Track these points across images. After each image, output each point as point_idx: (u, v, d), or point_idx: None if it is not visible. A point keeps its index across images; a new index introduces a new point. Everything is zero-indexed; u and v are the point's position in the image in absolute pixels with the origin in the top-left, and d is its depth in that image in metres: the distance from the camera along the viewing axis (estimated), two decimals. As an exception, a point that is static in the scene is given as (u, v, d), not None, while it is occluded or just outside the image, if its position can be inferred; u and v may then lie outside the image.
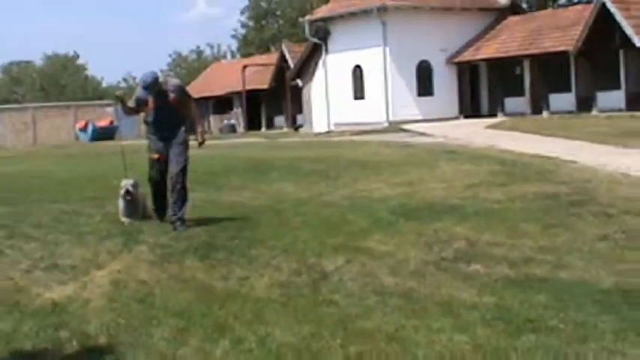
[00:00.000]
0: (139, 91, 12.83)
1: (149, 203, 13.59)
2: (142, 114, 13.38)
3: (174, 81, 13.62)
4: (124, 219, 12.99)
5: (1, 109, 65.60)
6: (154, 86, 12.40)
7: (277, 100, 59.72)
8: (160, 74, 13.40)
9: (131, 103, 12.94)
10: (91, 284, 9.30)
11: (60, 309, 8.29)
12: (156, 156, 12.68)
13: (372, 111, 45.44)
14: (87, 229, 12.89)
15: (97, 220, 13.75)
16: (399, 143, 28.70)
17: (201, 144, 13.04)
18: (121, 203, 13.06)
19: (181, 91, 13.07)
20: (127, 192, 12.84)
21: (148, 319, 7.72)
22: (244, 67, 63.12)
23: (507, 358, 6.05)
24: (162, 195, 13.00)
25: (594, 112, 39.73)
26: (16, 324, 7.80)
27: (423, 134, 33.72)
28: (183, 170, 12.73)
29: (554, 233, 10.79)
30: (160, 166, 12.76)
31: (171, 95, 12.60)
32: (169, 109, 12.58)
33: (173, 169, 12.62)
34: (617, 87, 40.12)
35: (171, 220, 12.61)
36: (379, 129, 40.65)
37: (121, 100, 12.96)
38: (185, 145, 12.81)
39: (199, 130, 13.18)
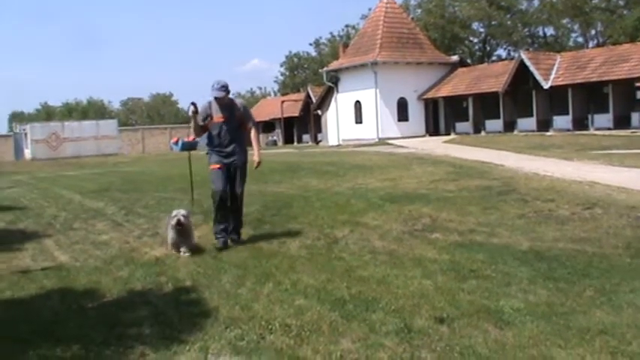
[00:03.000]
0: (204, 105, 9.48)
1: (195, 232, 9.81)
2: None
3: (241, 100, 10.28)
4: (174, 250, 8.92)
5: (121, 129, 65.67)
6: (226, 89, 9.27)
7: (305, 123, 59.69)
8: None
9: (199, 119, 9.42)
10: (181, 246, 9.34)
11: (160, 262, 8.34)
12: (217, 165, 9.39)
13: (367, 131, 45.49)
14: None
15: (185, 203, 13.74)
16: (386, 153, 28.60)
17: (257, 166, 9.66)
18: (171, 233, 8.94)
19: (246, 110, 9.88)
20: (179, 222, 8.81)
21: (218, 269, 7.75)
22: (282, 102, 63.59)
23: (457, 296, 6.05)
24: (227, 211, 9.46)
25: (515, 132, 39.74)
26: (131, 272, 7.86)
27: (401, 147, 33.60)
28: (243, 192, 9.69)
29: (489, 213, 10.75)
30: (222, 178, 9.40)
31: (238, 112, 9.49)
32: (235, 125, 9.43)
33: (237, 189, 9.50)
34: (531, 115, 40.21)
35: (219, 237, 9.31)
36: (372, 143, 40.58)
37: (195, 110, 9.27)
38: (246, 167, 9.64)
39: (258, 151, 9.74)
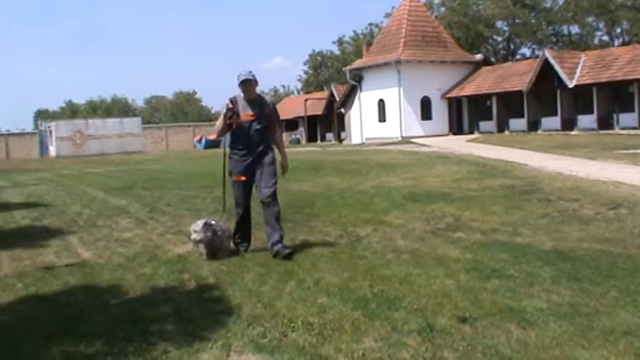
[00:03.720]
0: (231, 102, 8.46)
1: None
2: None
3: (268, 97, 9.09)
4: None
5: (145, 127, 66.00)
6: (253, 76, 8.33)
7: (328, 122, 59.64)
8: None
9: (221, 128, 8.56)
10: (204, 243, 9.37)
11: (183, 259, 8.35)
12: (243, 178, 8.50)
13: (390, 129, 45.44)
14: (201, 207, 12.99)
15: (208, 201, 13.83)
16: (409, 151, 28.57)
17: (284, 172, 8.83)
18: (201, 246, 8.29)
19: (275, 108, 8.87)
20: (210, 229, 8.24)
21: (241, 267, 7.76)
22: (306, 100, 63.57)
23: (480, 295, 6.02)
24: (249, 221, 8.86)
25: (539, 132, 39.52)
26: (154, 269, 7.88)
27: (424, 145, 33.55)
28: (276, 192, 8.57)
29: (512, 212, 10.71)
30: (246, 188, 8.62)
31: (268, 109, 8.52)
32: (265, 124, 8.43)
33: (266, 191, 8.44)
34: (555, 114, 39.94)
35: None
36: (395, 142, 40.54)
37: (231, 107, 8.30)
38: (274, 165, 8.62)
39: (285, 156, 8.82)
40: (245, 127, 8.41)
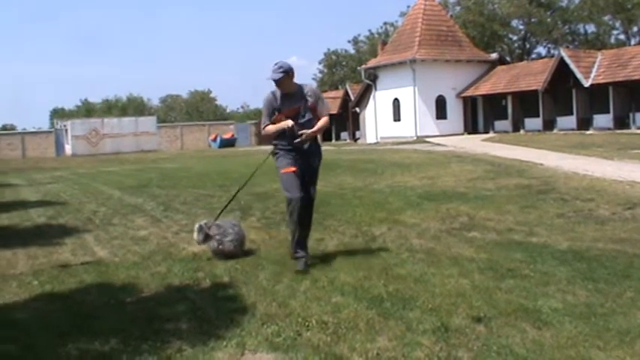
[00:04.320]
0: (269, 97, 7.65)
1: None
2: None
3: (310, 86, 8.01)
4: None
5: (160, 126, 66.10)
6: (285, 72, 7.41)
7: (343, 121, 59.55)
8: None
9: (266, 120, 7.71)
10: (219, 242, 9.39)
11: (198, 258, 8.37)
12: (292, 168, 7.56)
13: (405, 129, 45.40)
14: (216, 206, 12.98)
15: (223, 200, 13.81)
16: (424, 151, 28.53)
17: (301, 136, 7.51)
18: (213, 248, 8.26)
19: (318, 96, 7.84)
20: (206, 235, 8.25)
21: (255, 265, 7.76)
22: (320, 99, 63.29)
23: (495, 295, 6.01)
24: (308, 219, 7.91)
25: (555, 131, 39.38)
26: (169, 267, 7.90)
27: (439, 145, 33.50)
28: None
29: (527, 212, 10.68)
30: (298, 183, 7.59)
31: (310, 100, 7.65)
32: (309, 118, 7.65)
33: (312, 191, 7.98)
34: (571, 113, 39.78)
35: (299, 257, 7.59)
36: (410, 141, 40.50)
37: (291, 128, 7.41)
38: (320, 161, 7.99)
39: (315, 130, 7.68)
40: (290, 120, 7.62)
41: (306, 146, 7.67)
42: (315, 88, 7.97)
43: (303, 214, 7.70)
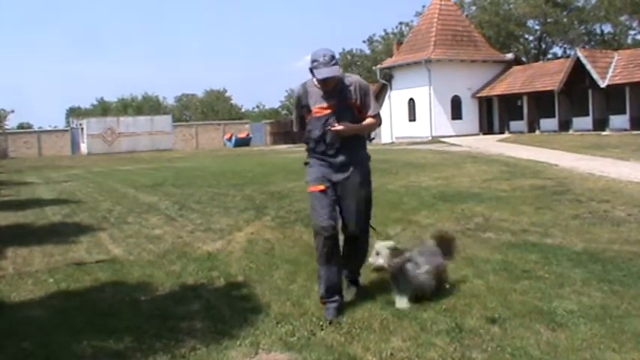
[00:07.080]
0: (298, 91, 6.04)
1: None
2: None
3: (355, 78, 6.02)
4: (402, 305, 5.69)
5: (176, 125, 66.22)
6: (337, 64, 5.72)
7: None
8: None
9: (295, 121, 6.19)
10: (233, 241, 9.41)
11: (212, 257, 8.40)
12: (320, 187, 5.87)
13: (420, 129, 45.32)
14: (231, 205, 13.04)
15: (238, 199, 13.88)
16: (439, 151, 28.47)
17: (336, 127, 5.74)
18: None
19: (364, 91, 5.96)
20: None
21: (270, 265, 7.78)
22: (335, 99, 63.24)
23: (510, 296, 5.99)
24: (337, 258, 5.87)
25: (571, 132, 39.21)
26: (184, 266, 7.94)
27: (454, 145, 33.42)
28: (369, 219, 6.31)
29: (543, 213, 10.64)
30: (328, 206, 5.84)
31: (352, 98, 5.85)
32: (347, 118, 5.85)
33: (356, 218, 6.10)
34: (587, 114, 39.61)
35: (329, 303, 5.71)
36: (425, 141, 40.44)
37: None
38: (370, 179, 6.29)
39: (357, 126, 5.96)
40: (319, 125, 5.96)
41: (340, 159, 5.98)
42: (361, 80, 6.07)
43: (334, 251, 5.86)
